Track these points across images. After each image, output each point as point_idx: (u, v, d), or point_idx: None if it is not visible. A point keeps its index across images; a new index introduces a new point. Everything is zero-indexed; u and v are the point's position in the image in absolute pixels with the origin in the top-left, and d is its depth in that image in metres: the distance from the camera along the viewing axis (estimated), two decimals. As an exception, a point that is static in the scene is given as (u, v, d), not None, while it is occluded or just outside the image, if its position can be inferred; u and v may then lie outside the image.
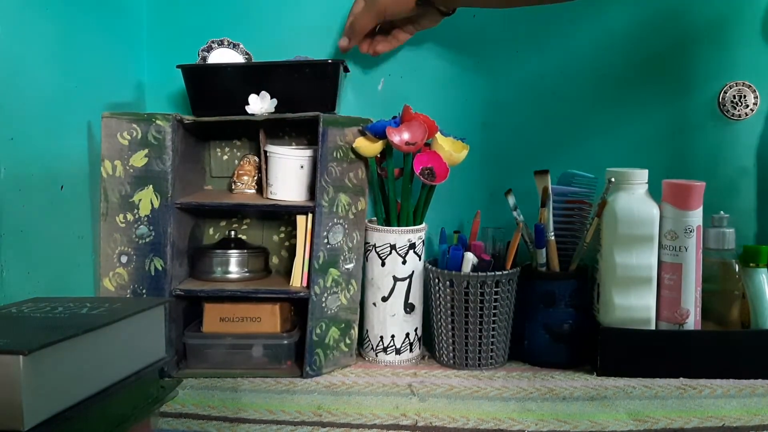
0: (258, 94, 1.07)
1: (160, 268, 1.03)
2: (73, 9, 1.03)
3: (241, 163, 1.18)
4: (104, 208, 1.03)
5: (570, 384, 1.00)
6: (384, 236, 1.09)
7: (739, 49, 1.19)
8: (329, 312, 1.06)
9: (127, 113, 1.04)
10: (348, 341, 1.09)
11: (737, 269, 1.06)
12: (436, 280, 1.09)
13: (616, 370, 1.02)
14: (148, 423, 0.74)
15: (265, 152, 1.09)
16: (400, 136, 1.04)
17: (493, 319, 1.07)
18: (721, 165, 1.20)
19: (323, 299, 1.05)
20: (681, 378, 1.00)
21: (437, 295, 1.09)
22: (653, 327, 1.04)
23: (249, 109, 1.07)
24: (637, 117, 1.22)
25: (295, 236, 1.09)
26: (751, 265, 1.04)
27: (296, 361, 1.07)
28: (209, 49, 1.17)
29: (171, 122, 1.03)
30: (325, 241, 1.05)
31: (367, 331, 1.13)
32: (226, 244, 1.13)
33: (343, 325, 1.08)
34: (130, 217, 1.03)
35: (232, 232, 1.16)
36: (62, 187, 1.00)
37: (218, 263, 1.10)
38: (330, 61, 1.09)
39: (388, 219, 1.12)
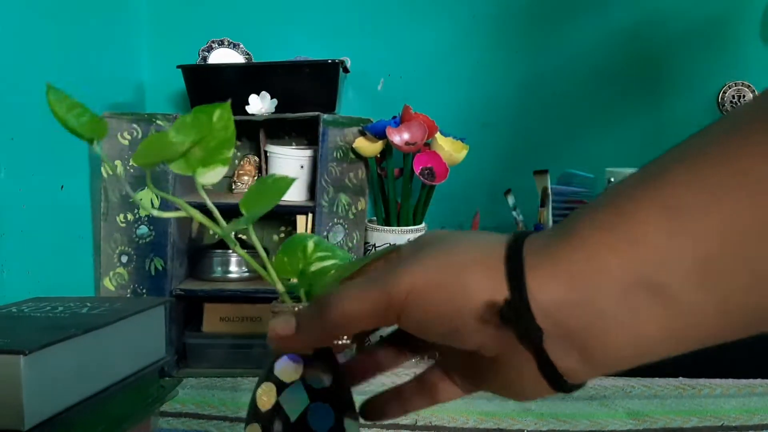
0: (258, 94, 1.07)
1: (161, 268, 1.03)
2: (73, 9, 1.03)
3: (242, 163, 1.18)
4: (104, 208, 1.03)
5: (569, 384, 1.00)
6: (384, 236, 1.09)
7: (739, 49, 1.19)
8: (329, 312, 1.06)
9: (128, 113, 1.05)
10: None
11: (737, 269, 1.06)
12: (436, 280, 1.09)
13: (616, 370, 1.02)
14: (148, 423, 0.74)
15: (265, 152, 1.09)
16: (400, 136, 1.04)
17: (493, 318, 1.07)
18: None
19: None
20: (680, 377, 1.00)
21: (437, 294, 1.09)
22: (653, 327, 1.04)
23: (249, 109, 1.07)
24: (637, 117, 1.22)
25: (295, 236, 1.10)
26: (751, 264, 1.04)
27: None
28: (209, 49, 1.17)
29: (171, 122, 1.04)
30: (325, 240, 1.05)
31: (366, 330, 1.12)
32: (226, 244, 1.13)
33: (343, 324, 1.08)
34: (130, 216, 1.03)
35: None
36: (62, 187, 1.00)
37: (218, 263, 1.10)
38: (330, 61, 1.09)
39: (388, 219, 1.12)
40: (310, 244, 0.37)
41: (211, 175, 0.34)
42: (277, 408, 0.34)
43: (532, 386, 0.30)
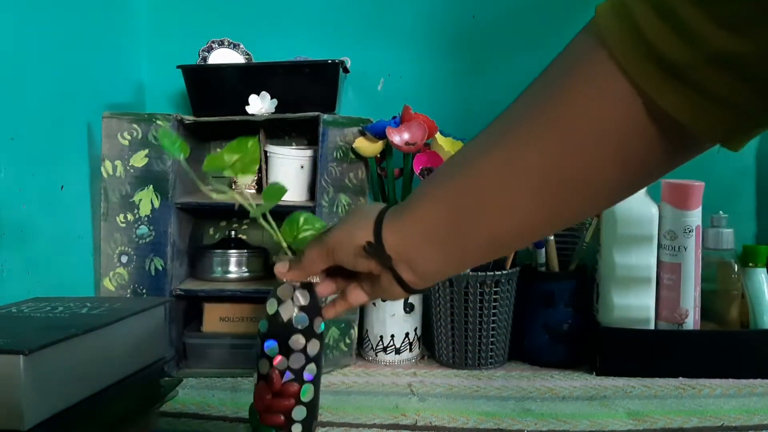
0: (258, 95, 1.07)
1: (161, 268, 1.03)
2: (72, 9, 1.03)
3: (241, 163, 1.18)
4: (104, 208, 1.03)
5: (569, 384, 1.00)
6: (384, 236, 1.09)
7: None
8: (329, 312, 1.06)
9: (128, 113, 1.05)
10: (347, 341, 1.09)
11: (736, 269, 1.06)
12: (436, 280, 1.09)
13: (616, 370, 1.03)
14: (148, 423, 0.74)
15: (266, 152, 1.09)
16: (400, 136, 1.04)
17: (493, 318, 1.07)
18: (720, 165, 1.20)
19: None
20: (680, 378, 1.00)
21: (437, 294, 1.09)
22: (652, 327, 1.04)
23: (249, 109, 1.07)
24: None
25: (295, 236, 1.10)
26: (750, 264, 1.04)
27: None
28: (209, 49, 1.17)
29: (171, 122, 1.04)
30: (325, 241, 1.05)
31: (366, 330, 1.13)
32: (226, 244, 1.13)
33: (343, 324, 1.08)
34: (130, 217, 1.03)
35: (232, 232, 1.16)
36: (62, 187, 1.00)
37: (218, 263, 1.10)
38: (330, 61, 1.09)
39: (387, 219, 1.12)
40: (301, 220, 0.64)
41: (247, 179, 0.71)
42: (277, 313, 0.63)
43: (395, 291, 0.57)
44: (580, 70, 0.44)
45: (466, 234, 0.50)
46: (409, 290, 0.56)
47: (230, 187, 1.19)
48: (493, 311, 1.07)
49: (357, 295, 0.63)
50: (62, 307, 0.71)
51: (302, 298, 0.65)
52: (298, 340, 0.64)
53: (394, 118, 1.09)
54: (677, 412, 0.88)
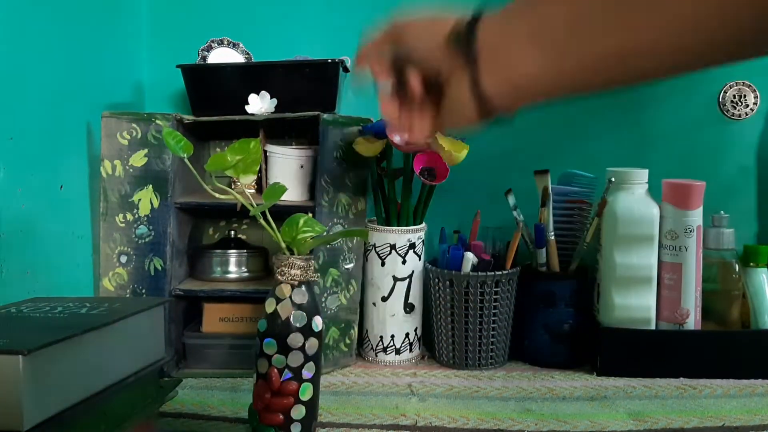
0: (258, 94, 1.07)
1: (160, 268, 1.03)
2: (72, 9, 1.03)
3: (241, 162, 1.18)
4: (104, 207, 1.03)
5: (570, 384, 1.00)
6: (384, 236, 1.09)
7: (739, 48, 1.19)
8: (329, 312, 1.06)
9: (127, 113, 1.04)
10: (348, 341, 1.09)
11: (737, 269, 1.06)
12: (436, 280, 1.09)
13: (616, 370, 1.02)
14: (148, 423, 0.74)
15: (265, 152, 1.09)
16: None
17: (493, 319, 1.07)
18: (721, 165, 1.20)
19: (323, 299, 1.05)
20: (681, 378, 1.00)
21: (437, 295, 1.09)
22: (653, 327, 1.04)
23: (249, 108, 1.07)
24: (638, 117, 1.22)
25: (294, 236, 1.09)
26: (751, 264, 1.04)
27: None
28: (209, 49, 1.17)
29: (171, 122, 1.03)
30: (325, 241, 1.05)
31: (366, 331, 1.13)
32: (226, 244, 1.13)
33: (343, 325, 1.08)
34: (129, 216, 1.03)
35: (232, 232, 1.16)
36: (61, 186, 1.00)
37: (218, 263, 1.10)
38: (330, 61, 1.09)
39: (387, 219, 1.12)
40: (301, 221, 0.68)
41: (248, 179, 0.78)
42: (275, 312, 0.66)
43: (466, 107, 0.47)
44: None
45: (588, 39, 0.40)
46: (483, 107, 0.46)
47: (230, 186, 1.19)
48: (494, 311, 1.06)
49: (422, 123, 0.58)
50: (61, 307, 0.71)
51: (300, 297, 0.66)
52: (296, 339, 0.65)
53: (394, 117, 1.09)
54: (678, 412, 0.87)
